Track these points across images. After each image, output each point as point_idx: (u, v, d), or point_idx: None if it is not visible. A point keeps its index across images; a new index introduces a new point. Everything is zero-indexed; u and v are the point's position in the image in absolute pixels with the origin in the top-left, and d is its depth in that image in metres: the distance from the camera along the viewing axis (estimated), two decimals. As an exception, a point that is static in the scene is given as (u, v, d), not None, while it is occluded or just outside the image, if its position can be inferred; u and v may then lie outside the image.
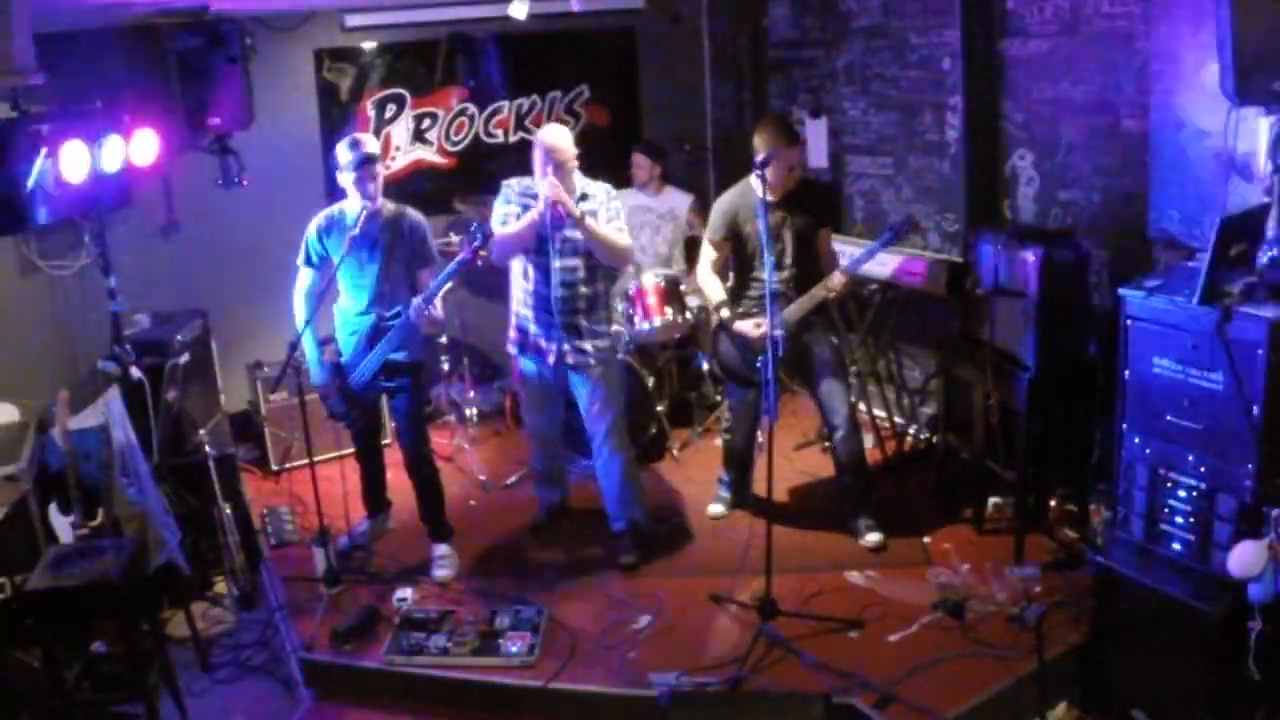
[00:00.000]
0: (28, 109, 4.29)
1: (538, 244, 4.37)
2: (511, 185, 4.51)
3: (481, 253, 4.29)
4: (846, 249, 5.13)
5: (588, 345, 4.47)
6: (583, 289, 4.43)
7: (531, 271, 4.45)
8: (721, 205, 4.65)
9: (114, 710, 3.88)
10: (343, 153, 4.33)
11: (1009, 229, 4.67)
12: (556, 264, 4.37)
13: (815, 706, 3.42)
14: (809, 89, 6.40)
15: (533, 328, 4.52)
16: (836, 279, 4.46)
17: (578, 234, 4.32)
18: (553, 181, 4.24)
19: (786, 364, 4.53)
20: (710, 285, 4.67)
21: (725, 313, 4.62)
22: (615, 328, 5.40)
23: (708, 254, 4.68)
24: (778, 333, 4.20)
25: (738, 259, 4.67)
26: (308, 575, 4.58)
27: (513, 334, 4.64)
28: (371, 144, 4.40)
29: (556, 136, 4.32)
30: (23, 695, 3.74)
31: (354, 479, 4.99)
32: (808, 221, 4.56)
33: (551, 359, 4.49)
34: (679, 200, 6.12)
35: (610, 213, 4.41)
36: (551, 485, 5.03)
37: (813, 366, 4.61)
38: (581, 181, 4.42)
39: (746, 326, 4.53)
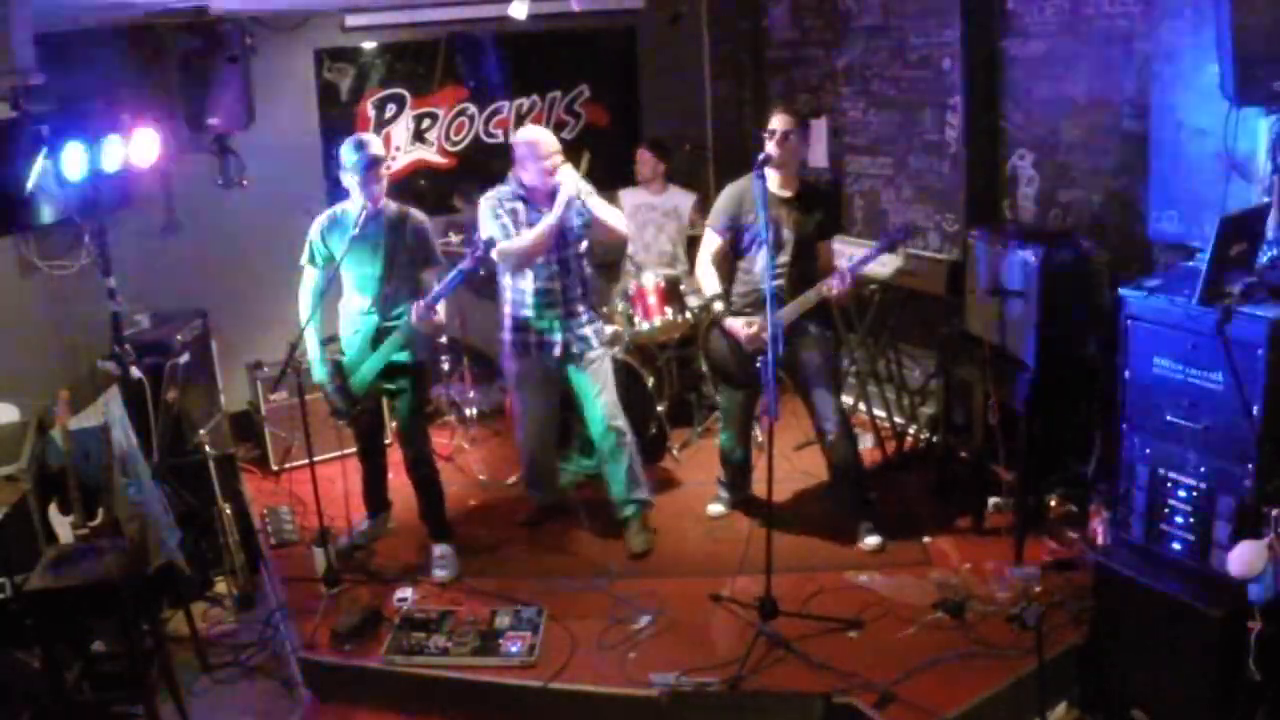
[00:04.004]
0: (28, 109, 4.28)
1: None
2: (491, 198, 4.53)
3: (490, 255, 4.32)
4: (847, 249, 5.12)
5: (588, 330, 4.59)
6: (577, 275, 4.57)
7: (533, 268, 4.48)
8: (727, 193, 4.59)
9: (114, 710, 3.88)
10: (348, 154, 4.32)
11: (1009, 229, 4.67)
12: (558, 255, 4.49)
13: (815, 706, 3.42)
14: (809, 89, 6.40)
15: (536, 324, 4.55)
16: (834, 283, 4.38)
17: (576, 222, 4.48)
18: (570, 171, 4.43)
19: (778, 365, 4.51)
20: (707, 277, 4.61)
21: (719, 307, 4.57)
22: (612, 327, 5.43)
23: (708, 243, 4.62)
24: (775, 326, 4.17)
25: (735, 252, 4.61)
26: (308, 575, 4.58)
27: (509, 336, 4.64)
28: (377, 145, 4.40)
29: (541, 133, 4.50)
30: (23, 695, 3.73)
31: (354, 479, 4.99)
32: (810, 224, 4.52)
33: (558, 351, 4.55)
34: (682, 199, 6.12)
35: (586, 190, 4.56)
36: (544, 487, 5.06)
37: (802, 370, 4.56)
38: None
39: (738, 325, 4.50)
